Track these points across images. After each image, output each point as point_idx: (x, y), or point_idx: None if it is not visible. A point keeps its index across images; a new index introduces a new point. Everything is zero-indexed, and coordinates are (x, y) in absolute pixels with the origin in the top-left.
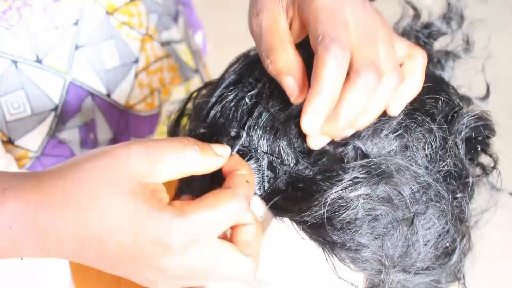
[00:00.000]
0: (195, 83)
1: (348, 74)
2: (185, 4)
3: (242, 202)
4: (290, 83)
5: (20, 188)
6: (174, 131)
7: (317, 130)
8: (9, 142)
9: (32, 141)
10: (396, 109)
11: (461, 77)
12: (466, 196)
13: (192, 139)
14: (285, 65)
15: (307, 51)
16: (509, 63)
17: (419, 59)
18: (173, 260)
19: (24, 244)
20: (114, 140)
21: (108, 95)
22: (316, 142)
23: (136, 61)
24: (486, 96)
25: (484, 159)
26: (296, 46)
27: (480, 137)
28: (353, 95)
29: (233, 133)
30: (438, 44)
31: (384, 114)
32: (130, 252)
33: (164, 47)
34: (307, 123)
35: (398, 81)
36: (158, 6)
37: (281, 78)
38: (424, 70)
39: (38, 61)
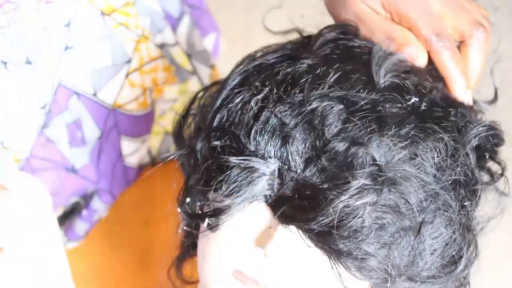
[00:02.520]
0: (192, 84)
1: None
2: (194, 6)
3: None
4: (413, 52)
5: None
6: (179, 131)
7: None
8: None
9: (21, 141)
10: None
11: None
12: (473, 204)
13: None
14: (403, 39)
15: None
16: None
17: (479, 40)
18: None
19: None
20: (102, 139)
21: (95, 94)
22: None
23: (129, 62)
24: (494, 100)
25: (492, 166)
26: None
27: (488, 145)
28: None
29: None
30: None
31: (398, 122)
32: None
33: (159, 49)
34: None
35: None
36: (151, 10)
37: (403, 50)
38: (485, 52)
39: (28, 62)
